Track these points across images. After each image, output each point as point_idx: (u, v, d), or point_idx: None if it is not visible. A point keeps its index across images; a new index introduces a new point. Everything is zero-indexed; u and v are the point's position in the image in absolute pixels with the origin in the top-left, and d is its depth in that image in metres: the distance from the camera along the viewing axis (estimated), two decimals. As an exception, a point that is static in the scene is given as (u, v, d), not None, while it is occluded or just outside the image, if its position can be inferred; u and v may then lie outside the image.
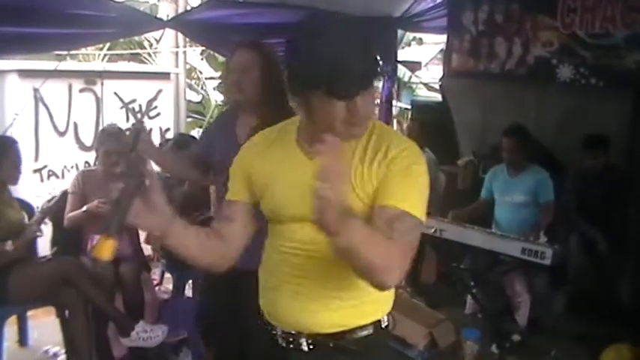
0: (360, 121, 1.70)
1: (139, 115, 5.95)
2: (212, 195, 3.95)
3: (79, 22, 4.25)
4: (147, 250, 4.62)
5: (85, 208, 4.05)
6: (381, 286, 1.61)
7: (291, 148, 1.83)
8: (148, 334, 3.83)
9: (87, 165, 5.49)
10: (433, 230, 4.50)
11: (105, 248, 1.53)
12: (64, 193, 4.22)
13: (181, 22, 5.22)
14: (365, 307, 1.81)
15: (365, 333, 1.81)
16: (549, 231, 4.68)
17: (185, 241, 1.78)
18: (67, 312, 3.84)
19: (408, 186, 1.70)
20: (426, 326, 4.09)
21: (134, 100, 6.00)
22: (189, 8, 7.37)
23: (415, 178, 1.72)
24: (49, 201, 4.14)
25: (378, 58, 1.75)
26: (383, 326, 1.86)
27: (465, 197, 5.49)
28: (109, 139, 4.18)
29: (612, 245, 4.76)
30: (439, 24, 6.52)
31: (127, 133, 2.94)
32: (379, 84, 1.70)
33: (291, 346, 1.84)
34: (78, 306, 3.72)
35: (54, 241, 4.29)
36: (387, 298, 1.87)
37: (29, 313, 4.23)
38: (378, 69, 1.72)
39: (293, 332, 1.83)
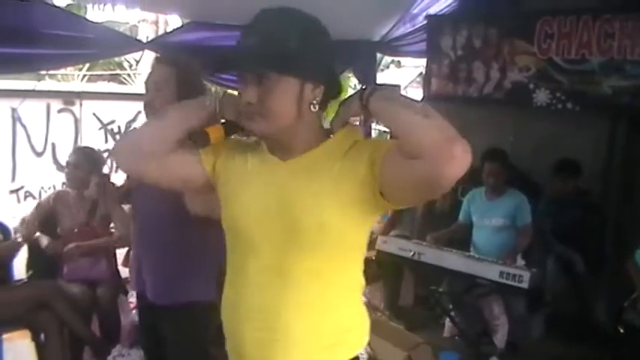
0: (250, 113, 1.53)
1: (117, 137, 5.92)
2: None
3: (58, 43, 4.23)
4: (124, 272, 4.58)
5: (44, 244, 4.09)
6: (444, 174, 1.31)
7: (264, 153, 1.66)
8: (124, 358, 3.80)
9: (64, 186, 5.44)
10: (412, 253, 4.51)
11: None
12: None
13: (161, 44, 5.22)
14: (342, 345, 1.61)
15: None
16: (526, 254, 4.72)
17: None
18: (42, 335, 3.79)
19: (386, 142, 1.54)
20: (405, 349, 4.07)
21: (113, 121, 5.97)
22: (169, 30, 7.39)
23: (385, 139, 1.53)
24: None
25: (310, 55, 1.52)
26: None
27: (443, 220, 5.50)
28: (78, 160, 4.17)
29: (588, 267, 4.80)
30: (418, 48, 6.56)
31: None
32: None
33: None
34: (53, 329, 3.68)
35: (29, 265, 4.24)
36: (363, 327, 1.69)
37: (4, 336, 4.16)
38: (288, 59, 1.48)
39: None
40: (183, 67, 2.55)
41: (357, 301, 1.69)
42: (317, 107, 1.55)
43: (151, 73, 2.60)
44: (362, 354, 1.67)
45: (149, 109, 2.55)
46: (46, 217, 4.16)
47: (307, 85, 1.52)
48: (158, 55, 2.67)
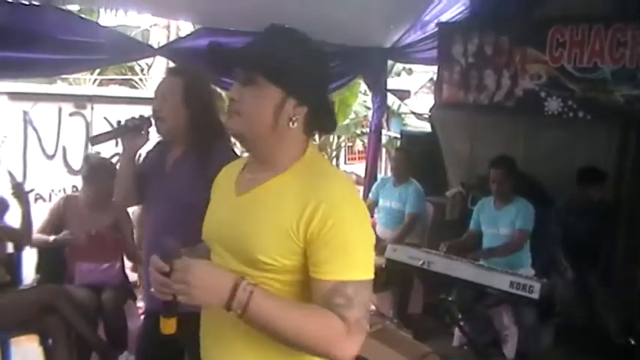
0: (230, 110, 1.58)
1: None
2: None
3: (70, 48, 4.24)
4: (132, 277, 4.57)
5: (52, 239, 4.07)
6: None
7: (233, 178, 1.71)
8: (131, 364, 3.78)
9: (74, 189, 5.45)
10: (421, 262, 4.48)
11: (168, 326, 1.56)
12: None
13: (171, 50, 5.24)
14: None
15: None
16: (537, 264, 4.69)
17: None
18: (50, 340, 3.79)
19: (340, 250, 1.47)
20: (413, 359, 4.05)
21: (124, 126, 5.98)
22: (181, 35, 7.41)
23: (345, 235, 1.48)
24: None
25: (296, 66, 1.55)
26: None
27: (453, 228, 5.49)
28: (92, 170, 4.16)
29: (600, 278, 4.76)
30: (429, 55, 6.55)
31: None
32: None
33: None
34: (61, 334, 3.68)
35: (38, 268, 4.25)
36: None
37: (12, 340, 4.16)
38: (273, 67, 1.53)
39: None
40: (190, 78, 2.61)
41: None
42: (294, 124, 1.57)
43: (160, 83, 2.68)
44: None
45: (155, 117, 2.62)
46: (56, 222, 4.16)
47: (290, 100, 1.55)
48: (170, 64, 2.75)
